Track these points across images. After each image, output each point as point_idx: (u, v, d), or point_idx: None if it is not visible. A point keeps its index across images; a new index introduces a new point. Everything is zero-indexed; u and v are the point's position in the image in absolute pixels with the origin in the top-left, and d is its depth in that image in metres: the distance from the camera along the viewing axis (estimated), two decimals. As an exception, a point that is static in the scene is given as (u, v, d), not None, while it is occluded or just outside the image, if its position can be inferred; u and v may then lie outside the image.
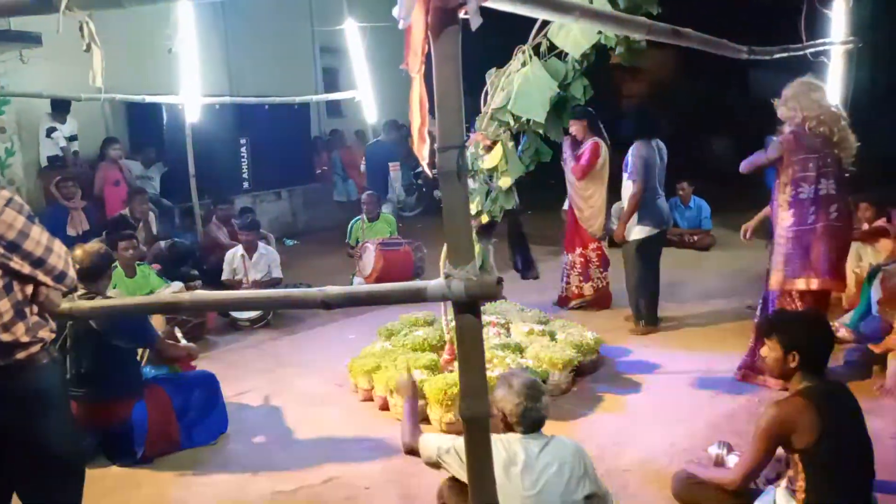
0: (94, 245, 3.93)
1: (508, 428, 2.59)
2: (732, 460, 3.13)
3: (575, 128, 5.96)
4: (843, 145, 4.16)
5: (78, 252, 3.72)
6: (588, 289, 6.31)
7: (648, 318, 5.73)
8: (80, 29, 2.18)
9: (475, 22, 1.67)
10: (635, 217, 5.56)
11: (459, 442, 2.56)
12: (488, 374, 4.22)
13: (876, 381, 4.47)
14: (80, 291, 3.70)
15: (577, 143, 6.10)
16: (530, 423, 2.56)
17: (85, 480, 2.76)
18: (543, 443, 2.57)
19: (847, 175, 4.22)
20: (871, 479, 2.73)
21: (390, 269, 6.82)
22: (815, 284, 4.14)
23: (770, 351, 2.79)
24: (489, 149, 3.81)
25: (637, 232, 5.59)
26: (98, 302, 3.20)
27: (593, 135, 6.04)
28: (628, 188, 5.57)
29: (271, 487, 3.58)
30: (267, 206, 10.64)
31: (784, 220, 4.20)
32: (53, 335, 2.58)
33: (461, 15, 1.71)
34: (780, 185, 4.22)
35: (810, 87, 4.23)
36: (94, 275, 3.73)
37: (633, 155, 5.52)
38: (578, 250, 6.28)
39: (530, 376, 2.75)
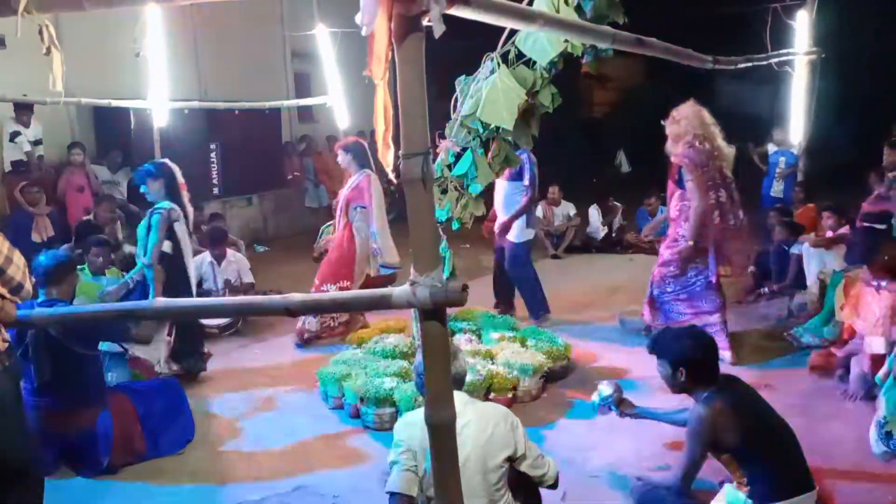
0: (55, 252, 3.88)
1: None
2: None
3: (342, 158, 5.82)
4: (721, 157, 4.93)
5: (40, 259, 3.68)
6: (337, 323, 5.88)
7: (544, 306, 6.13)
8: (40, 32, 2.14)
9: (438, 30, 1.67)
10: (523, 222, 5.93)
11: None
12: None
13: (839, 386, 4.55)
14: (42, 299, 3.64)
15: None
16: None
17: (45, 490, 2.72)
18: (466, 400, 2.65)
19: (732, 184, 5.00)
20: (801, 457, 2.88)
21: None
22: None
23: (661, 367, 3.01)
24: (458, 155, 3.81)
25: (526, 235, 6.02)
26: (59, 309, 3.14)
27: (361, 167, 5.79)
28: (511, 195, 5.87)
29: (238, 496, 3.54)
30: (237, 212, 10.55)
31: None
32: (7, 344, 2.54)
33: (424, 22, 1.71)
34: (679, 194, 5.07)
35: (697, 108, 5.00)
36: (55, 281, 3.68)
37: (528, 163, 5.78)
38: (318, 286, 5.71)
39: None
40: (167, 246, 4.96)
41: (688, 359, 2.91)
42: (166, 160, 5.34)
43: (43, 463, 3.46)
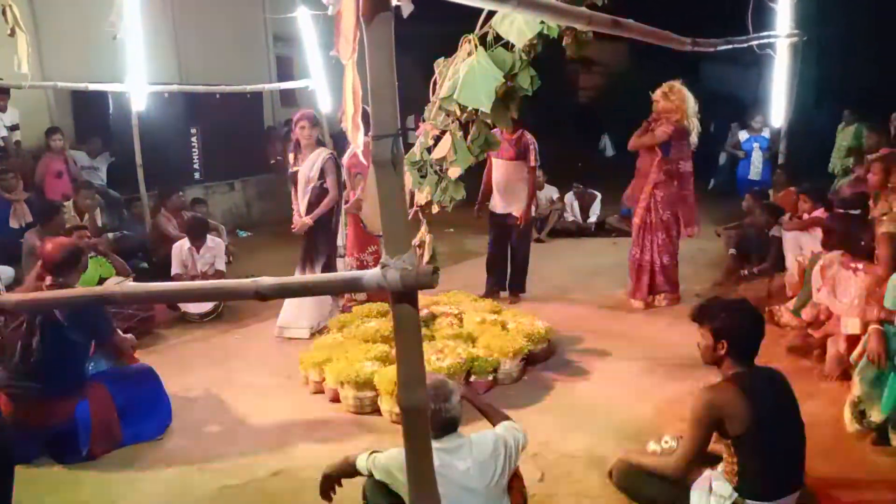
0: (64, 238, 3.92)
1: None
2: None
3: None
4: (694, 134, 5.83)
5: (49, 245, 3.77)
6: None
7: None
8: (3, 13, 2.10)
9: (406, 9, 1.65)
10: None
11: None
12: (439, 363, 4.24)
13: (816, 366, 4.60)
14: (49, 282, 3.67)
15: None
16: (440, 424, 2.54)
17: (14, 475, 2.71)
18: (457, 445, 2.55)
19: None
20: (801, 462, 2.81)
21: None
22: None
23: (701, 338, 2.85)
24: (437, 138, 3.79)
25: (532, 212, 6.38)
26: (26, 294, 3.11)
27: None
28: (517, 173, 6.06)
29: (218, 482, 3.53)
30: (219, 198, 10.46)
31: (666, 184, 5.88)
32: None
33: (393, 1, 1.69)
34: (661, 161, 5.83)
35: (686, 91, 5.76)
36: (64, 267, 3.75)
37: (534, 143, 6.06)
38: (355, 256, 6.10)
39: (440, 376, 2.72)
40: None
41: (734, 332, 2.75)
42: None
43: (22, 451, 3.45)
